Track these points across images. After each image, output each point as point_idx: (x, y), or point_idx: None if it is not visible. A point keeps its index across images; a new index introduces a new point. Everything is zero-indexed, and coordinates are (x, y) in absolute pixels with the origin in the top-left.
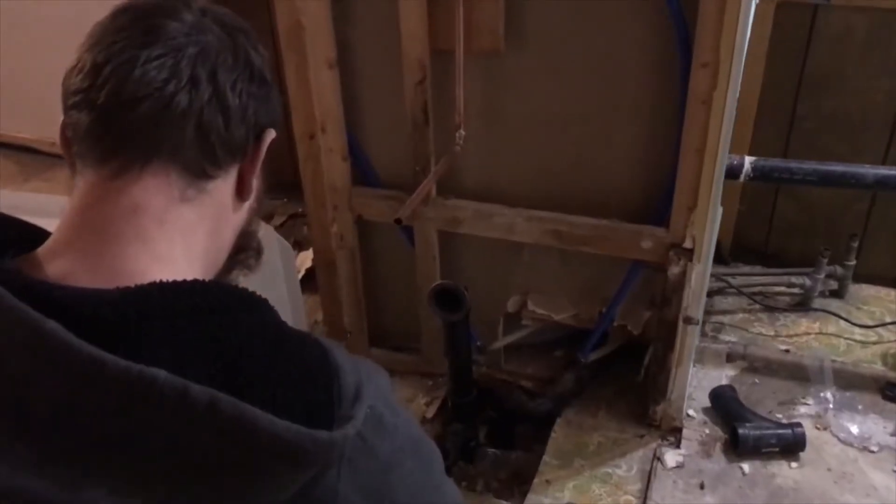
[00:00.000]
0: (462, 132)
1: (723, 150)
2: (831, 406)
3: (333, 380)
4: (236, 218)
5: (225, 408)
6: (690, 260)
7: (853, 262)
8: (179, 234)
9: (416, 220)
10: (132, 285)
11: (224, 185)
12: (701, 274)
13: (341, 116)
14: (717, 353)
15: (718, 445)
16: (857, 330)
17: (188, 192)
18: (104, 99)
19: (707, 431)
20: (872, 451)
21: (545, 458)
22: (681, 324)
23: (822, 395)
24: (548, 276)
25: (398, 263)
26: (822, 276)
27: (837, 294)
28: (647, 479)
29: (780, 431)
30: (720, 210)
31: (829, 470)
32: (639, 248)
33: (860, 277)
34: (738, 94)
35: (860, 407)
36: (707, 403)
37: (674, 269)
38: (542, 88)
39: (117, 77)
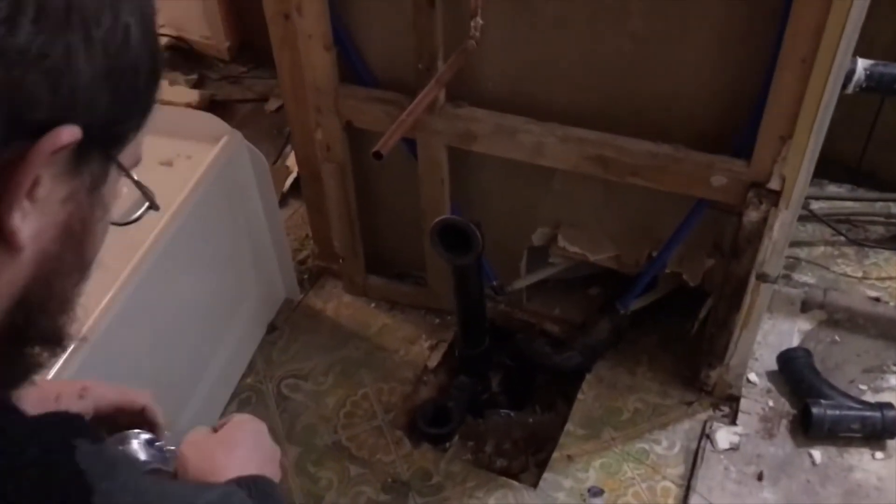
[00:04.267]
0: (479, 20)
1: (840, 62)
2: None
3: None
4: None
5: None
6: (776, 205)
7: None
8: None
9: (421, 133)
10: None
11: None
12: (787, 223)
13: None
14: (790, 299)
15: (784, 424)
16: None
17: None
18: None
19: (771, 404)
20: None
21: (568, 425)
22: (752, 280)
23: None
24: (584, 209)
25: (400, 181)
26: None
27: None
28: (693, 463)
29: (865, 413)
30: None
31: None
32: (707, 185)
33: None
34: None
35: None
36: (773, 366)
37: (752, 215)
38: None
39: None
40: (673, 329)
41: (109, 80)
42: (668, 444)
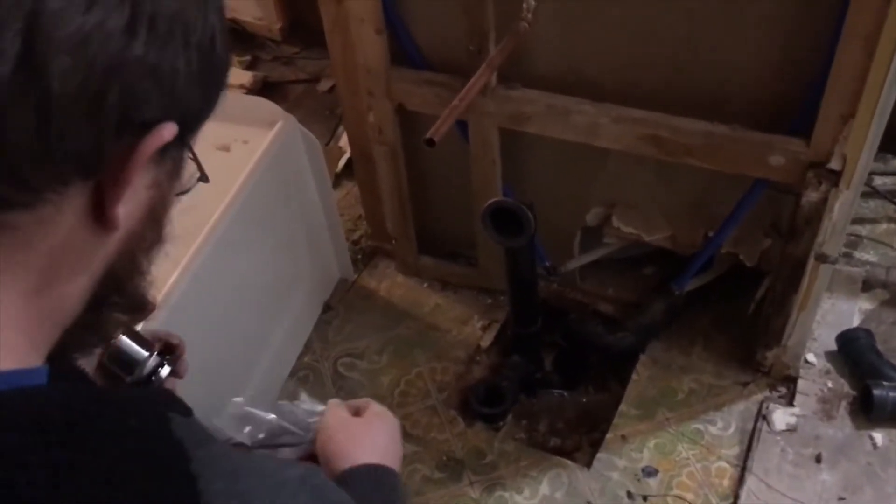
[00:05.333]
0: (531, 1)
1: None
2: None
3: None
4: (94, 255)
5: None
6: (836, 185)
7: None
8: None
9: (472, 115)
10: None
11: (58, 212)
12: (848, 203)
13: None
14: (851, 278)
15: (844, 405)
16: None
17: None
18: None
19: (830, 385)
20: None
21: (622, 406)
22: (812, 261)
23: None
24: (639, 188)
25: (451, 162)
26: None
27: None
28: (749, 444)
29: None
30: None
31: None
32: (765, 165)
33: None
34: None
35: None
36: (832, 346)
37: (811, 195)
38: None
39: None
40: (728, 310)
41: (202, 78)
42: (724, 425)
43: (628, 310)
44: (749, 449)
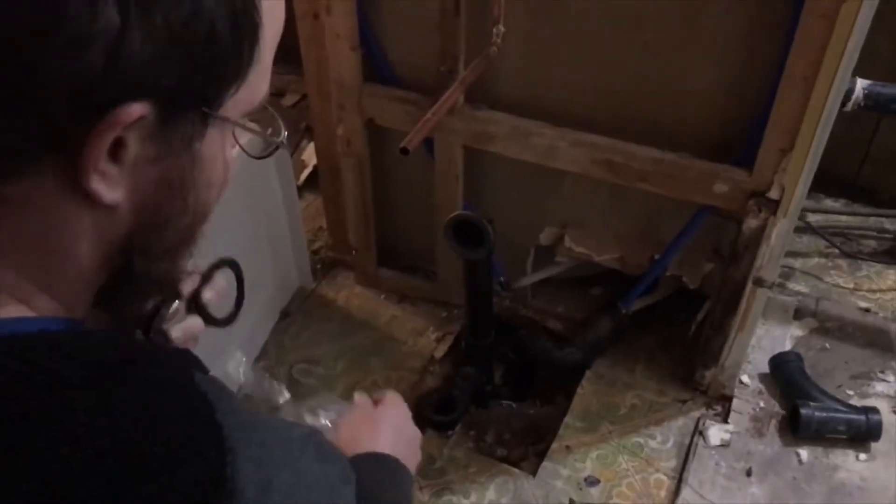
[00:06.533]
0: (501, 27)
1: (840, 81)
2: None
3: (226, 464)
4: (94, 227)
5: None
6: (774, 213)
7: None
8: None
9: (439, 132)
10: None
11: (39, 186)
12: (784, 231)
13: None
14: (784, 306)
15: (774, 423)
16: None
17: None
18: None
19: (762, 405)
20: None
21: (567, 418)
22: (750, 285)
23: None
24: (592, 211)
25: (415, 177)
26: None
27: None
28: (685, 457)
29: (851, 416)
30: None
31: None
32: (710, 192)
33: None
34: (875, 8)
35: None
36: (765, 369)
37: (751, 222)
38: None
39: None
40: (671, 330)
41: (175, 53)
42: (662, 439)
43: (576, 327)
44: (685, 462)
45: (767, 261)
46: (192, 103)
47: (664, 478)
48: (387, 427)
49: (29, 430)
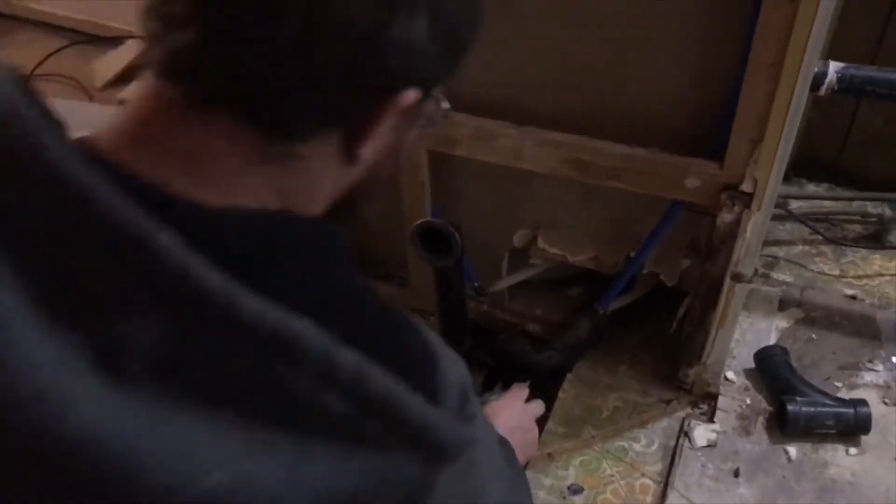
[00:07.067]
0: None
1: (807, 68)
2: None
3: (436, 371)
4: (339, 182)
5: (373, 385)
6: (748, 206)
7: None
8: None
9: None
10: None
11: (322, 147)
12: (759, 224)
13: None
14: (768, 297)
15: (761, 421)
16: None
17: (268, 150)
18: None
19: (748, 402)
20: None
21: (549, 424)
22: (728, 280)
23: (894, 359)
24: (563, 210)
25: (384, 184)
26: None
27: None
28: (671, 461)
29: (839, 410)
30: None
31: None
32: (682, 188)
33: None
34: None
35: None
36: (751, 363)
37: (725, 216)
38: None
39: None
40: (654, 329)
41: (445, 52)
42: (647, 442)
43: (555, 329)
44: (671, 466)
45: (744, 255)
46: (431, 89)
47: (650, 482)
48: (509, 414)
49: (338, 290)
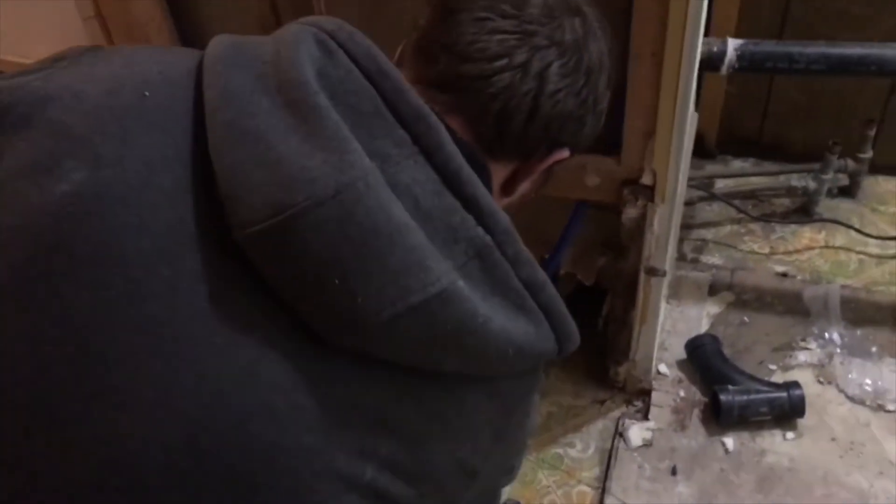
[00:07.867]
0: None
1: (690, 52)
2: (838, 350)
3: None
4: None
5: (549, 291)
6: (651, 200)
7: (868, 155)
8: None
9: None
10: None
11: (493, 173)
12: (667, 217)
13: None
14: (698, 283)
15: (696, 413)
16: (871, 242)
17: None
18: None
19: (682, 394)
20: (889, 411)
21: None
22: (643, 276)
23: (826, 335)
24: None
25: None
26: (829, 175)
27: (848, 192)
28: (607, 464)
29: (772, 395)
30: (691, 134)
31: (833, 440)
32: (583, 186)
33: (878, 169)
34: None
35: (874, 349)
36: (683, 354)
37: (630, 212)
38: None
39: (458, 32)
40: (582, 329)
41: (594, 124)
42: (583, 447)
43: None
44: (608, 469)
45: (655, 248)
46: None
47: (587, 489)
48: None
49: None
